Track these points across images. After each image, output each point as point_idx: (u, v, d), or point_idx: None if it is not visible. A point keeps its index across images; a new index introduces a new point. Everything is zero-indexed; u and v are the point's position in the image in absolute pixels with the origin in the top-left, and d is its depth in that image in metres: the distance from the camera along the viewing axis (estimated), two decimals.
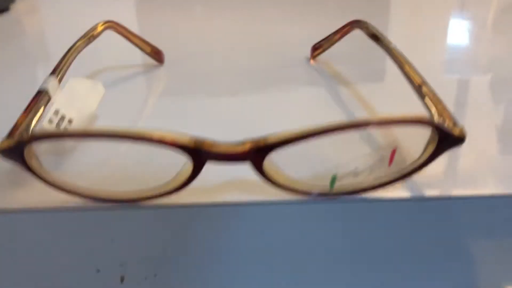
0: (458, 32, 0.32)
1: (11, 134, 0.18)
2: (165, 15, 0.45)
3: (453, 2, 0.45)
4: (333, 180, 0.17)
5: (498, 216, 0.18)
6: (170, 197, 0.18)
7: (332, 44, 0.29)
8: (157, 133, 0.16)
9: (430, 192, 0.18)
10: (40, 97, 0.20)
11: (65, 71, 0.22)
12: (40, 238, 0.18)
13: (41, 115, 0.20)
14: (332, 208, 0.18)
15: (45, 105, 0.20)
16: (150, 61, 0.31)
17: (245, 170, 0.19)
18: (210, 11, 0.46)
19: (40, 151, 0.18)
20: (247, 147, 0.16)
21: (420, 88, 0.20)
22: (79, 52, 0.24)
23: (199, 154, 0.16)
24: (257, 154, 0.16)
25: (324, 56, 0.31)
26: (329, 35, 0.29)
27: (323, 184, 0.17)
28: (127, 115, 0.24)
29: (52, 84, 0.21)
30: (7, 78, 0.29)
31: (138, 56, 0.33)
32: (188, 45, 0.36)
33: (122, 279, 0.19)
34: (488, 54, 0.30)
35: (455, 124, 0.17)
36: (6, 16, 0.45)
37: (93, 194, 0.18)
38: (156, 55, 0.30)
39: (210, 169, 0.18)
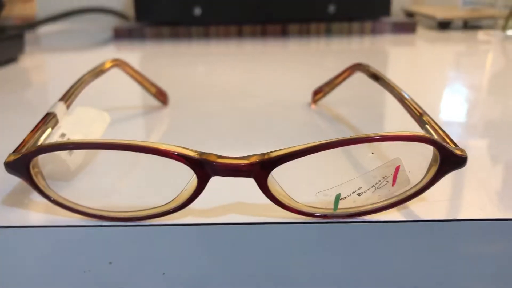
0: (454, 97, 0.33)
1: (17, 149, 0.18)
2: (170, 64, 0.46)
3: (448, 66, 0.47)
4: (337, 199, 0.17)
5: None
6: (173, 216, 0.18)
7: (333, 88, 0.30)
8: (164, 146, 0.16)
9: (434, 216, 0.18)
10: (48, 119, 0.20)
11: (73, 100, 0.23)
12: (37, 256, 0.18)
13: (48, 136, 0.20)
14: (335, 230, 0.18)
15: (53, 127, 0.20)
16: (155, 102, 0.32)
17: (248, 192, 0.19)
18: (214, 62, 0.48)
19: (46, 174, 0.18)
20: (252, 160, 0.16)
21: (421, 117, 0.20)
22: (86, 84, 0.24)
23: (204, 167, 0.16)
24: (261, 168, 0.16)
25: (326, 100, 0.31)
26: (330, 79, 0.30)
27: (327, 206, 0.17)
28: (129, 156, 0.25)
29: (60, 108, 0.21)
30: (7, 126, 0.30)
31: (143, 97, 0.34)
32: (193, 89, 0.37)
33: None
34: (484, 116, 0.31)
35: (456, 145, 0.18)
36: (14, 66, 0.47)
37: (95, 212, 0.18)
38: (161, 96, 0.31)
39: (214, 191, 0.18)
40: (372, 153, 0.17)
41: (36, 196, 0.20)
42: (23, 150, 0.18)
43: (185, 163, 0.16)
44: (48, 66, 0.49)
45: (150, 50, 0.55)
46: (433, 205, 0.18)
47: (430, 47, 0.56)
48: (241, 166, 0.16)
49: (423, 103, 0.22)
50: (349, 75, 0.29)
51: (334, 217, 0.17)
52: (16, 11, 0.66)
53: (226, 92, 0.36)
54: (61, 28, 0.72)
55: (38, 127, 0.20)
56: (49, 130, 0.20)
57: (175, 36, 0.62)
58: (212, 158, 0.16)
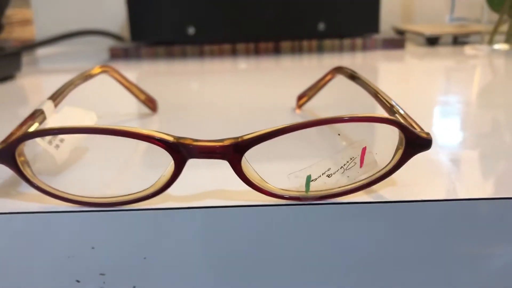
0: (444, 111, 0.34)
1: (4, 141, 0.19)
2: (164, 81, 0.47)
3: (437, 79, 0.48)
4: (308, 181, 0.18)
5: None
6: (153, 201, 0.18)
7: (317, 91, 0.31)
8: (144, 131, 0.17)
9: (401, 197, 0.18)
10: (36, 115, 0.21)
11: (61, 100, 0.24)
12: (19, 243, 0.19)
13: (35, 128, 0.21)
14: (307, 212, 0.18)
15: (40, 123, 0.21)
16: (144, 109, 0.33)
17: (225, 180, 0.20)
18: (207, 77, 0.49)
19: (34, 170, 0.19)
20: (225, 143, 0.17)
21: (392, 108, 0.21)
22: (75, 87, 0.25)
23: (180, 150, 0.17)
24: (235, 150, 0.17)
25: (311, 105, 0.32)
26: (313, 84, 0.31)
27: (299, 189, 0.18)
28: (115, 153, 0.25)
29: (48, 106, 0.22)
30: None
31: (133, 104, 0.35)
32: (183, 100, 0.38)
33: None
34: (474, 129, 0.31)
35: (422, 130, 0.19)
36: (11, 84, 0.48)
37: (77, 198, 0.19)
38: (150, 103, 0.32)
39: (192, 179, 0.19)
40: (339, 134, 0.18)
41: (23, 188, 0.20)
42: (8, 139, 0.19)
43: (163, 147, 0.17)
44: (45, 85, 0.50)
45: (145, 69, 0.56)
46: (401, 188, 0.19)
47: (419, 62, 0.57)
48: (216, 148, 0.17)
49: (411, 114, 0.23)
50: (331, 78, 0.30)
51: (306, 199, 0.18)
52: (15, 34, 0.68)
53: (215, 101, 0.37)
54: (58, 50, 0.74)
55: (25, 122, 0.21)
56: (36, 125, 0.21)
57: (171, 55, 0.63)
58: (188, 142, 0.17)
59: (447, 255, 0.19)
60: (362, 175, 0.18)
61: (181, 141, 0.17)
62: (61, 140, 0.22)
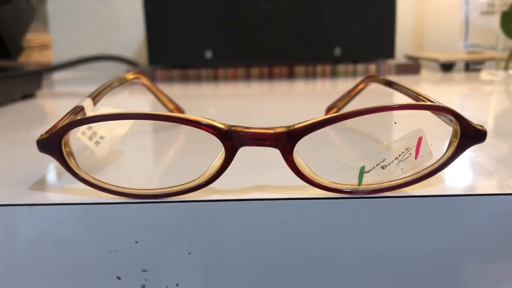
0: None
1: (48, 131, 0.19)
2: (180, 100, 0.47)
3: (454, 104, 0.48)
4: (361, 172, 0.17)
5: None
6: (202, 193, 0.18)
7: (347, 102, 0.31)
8: (195, 117, 0.17)
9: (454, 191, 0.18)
10: (77, 111, 0.21)
11: (99, 99, 0.24)
12: (60, 235, 0.18)
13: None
14: (361, 205, 0.18)
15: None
16: None
17: (273, 176, 0.19)
18: (223, 98, 0.49)
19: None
20: (278, 130, 0.17)
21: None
22: (112, 89, 0.25)
23: (232, 137, 0.17)
24: (287, 138, 0.17)
25: None
26: (343, 94, 0.31)
27: (351, 182, 0.18)
28: (148, 159, 0.25)
29: (88, 103, 0.22)
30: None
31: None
32: (210, 108, 0.37)
33: None
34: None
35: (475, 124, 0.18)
36: (31, 102, 0.48)
37: (122, 190, 0.18)
38: (179, 112, 0.32)
39: (240, 174, 0.18)
40: (395, 122, 0.18)
41: (63, 182, 0.20)
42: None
43: (214, 134, 0.17)
44: (61, 106, 0.51)
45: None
46: (452, 183, 0.19)
47: (435, 87, 0.57)
48: (268, 135, 0.17)
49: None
50: (364, 87, 0.30)
51: (359, 193, 0.18)
52: (33, 58, 0.69)
53: (240, 111, 0.37)
54: (75, 75, 0.75)
55: (67, 116, 0.20)
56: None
57: (185, 78, 0.64)
58: (240, 129, 0.17)
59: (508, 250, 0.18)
60: (417, 167, 0.18)
61: (233, 128, 0.17)
62: (101, 137, 0.22)
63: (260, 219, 0.18)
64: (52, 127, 0.19)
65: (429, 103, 0.17)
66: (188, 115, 0.17)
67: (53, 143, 0.18)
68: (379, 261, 0.18)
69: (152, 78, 0.63)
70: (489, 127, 0.31)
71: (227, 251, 0.18)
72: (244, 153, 0.18)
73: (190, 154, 0.25)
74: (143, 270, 0.18)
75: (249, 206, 0.18)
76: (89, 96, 0.23)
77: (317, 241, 0.18)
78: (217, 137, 0.17)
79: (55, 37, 0.76)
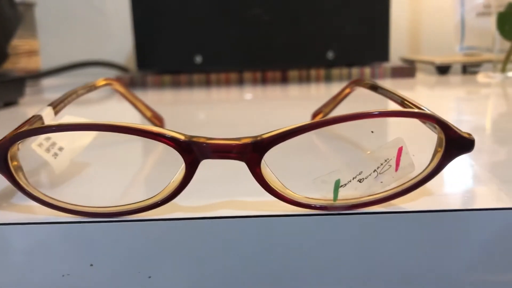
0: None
1: None
2: (171, 108, 0.46)
3: (451, 107, 0.47)
4: (337, 187, 0.16)
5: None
6: (162, 210, 0.16)
7: (333, 107, 0.29)
8: (155, 129, 0.15)
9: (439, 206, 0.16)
10: (34, 121, 0.19)
11: (61, 108, 0.22)
12: (7, 255, 0.16)
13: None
14: (336, 222, 0.16)
15: None
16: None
17: (239, 190, 0.18)
18: (215, 104, 0.47)
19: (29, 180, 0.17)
20: (243, 141, 0.15)
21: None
22: (78, 96, 0.24)
23: (193, 150, 0.15)
24: (254, 150, 0.15)
25: None
26: (329, 100, 0.30)
27: (325, 196, 0.16)
28: (110, 174, 0.23)
29: (47, 112, 0.20)
30: None
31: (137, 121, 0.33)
32: (189, 121, 0.36)
33: None
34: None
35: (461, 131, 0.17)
36: (13, 109, 0.46)
37: (77, 208, 0.16)
38: (157, 120, 0.30)
39: (204, 189, 0.17)
40: (372, 131, 0.16)
41: (16, 199, 0.18)
42: None
43: (173, 147, 0.15)
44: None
45: (151, 98, 0.55)
46: (438, 197, 0.17)
47: (430, 91, 0.56)
48: (232, 146, 0.15)
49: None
50: (349, 92, 0.28)
51: (334, 209, 0.16)
52: (21, 64, 0.67)
53: (224, 122, 0.36)
54: (63, 81, 0.73)
55: (21, 127, 0.19)
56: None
57: (177, 84, 0.62)
58: (202, 140, 0.15)
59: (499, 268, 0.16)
60: (398, 180, 0.16)
61: (194, 139, 0.15)
62: (60, 149, 0.20)
63: (227, 238, 0.16)
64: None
65: (411, 110, 0.15)
66: (143, 126, 0.15)
67: None
68: (358, 280, 0.16)
69: (143, 84, 0.62)
70: (487, 132, 0.29)
71: (190, 274, 0.16)
72: (210, 164, 0.16)
73: (155, 167, 0.23)
74: None
75: (214, 224, 0.16)
76: (50, 104, 0.21)
77: (290, 261, 0.16)
78: (176, 149, 0.15)
79: (43, 43, 0.74)
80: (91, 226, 0.16)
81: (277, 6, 0.61)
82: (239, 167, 0.16)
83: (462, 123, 0.35)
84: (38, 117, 0.20)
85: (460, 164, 0.21)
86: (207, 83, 0.62)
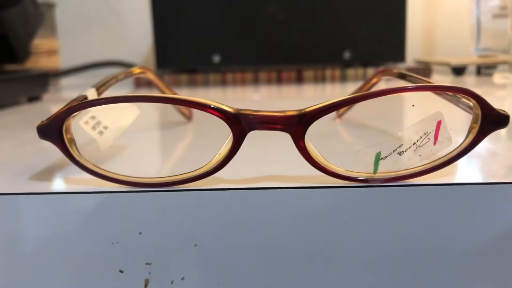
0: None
1: (49, 117, 0.18)
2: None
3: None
4: (377, 159, 0.16)
5: None
6: (209, 181, 0.17)
7: None
8: (203, 100, 0.16)
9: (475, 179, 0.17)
10: (79, 99, 0.20)
11: (104, 90, 0.23)
12: (61, 224, 0.17)
13: (78, 113, 0.20)
14: (376, 195, 0.17)
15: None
16: (178, 117, 0.32)
17: (282, 159, 0.18)
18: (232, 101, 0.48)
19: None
20: (289, 113, 0.16)
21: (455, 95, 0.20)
22: (117, 81, 0.25)
23: (240, 121, 0.16)
24: (298, 122, 0.16)
25: (350, 115, 0.31)
26: (355, 90, 0.30)
27: (366, 169, 0.17)
28: (154, 151, 0.24)
29: (91, 93, 0.21)
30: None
31: (166, 112, 0.34)
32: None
33: (146, 284, 0.18)
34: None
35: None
36: (37, 105, 0.48)
37: (126, 179, 0.17)
38: (185, 110, 0.31)
39: (248, 164, 0.18)
40: (413, 105, 0.17)
41: (66, 173, 0.19)
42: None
43: (221, 118, 0.16)
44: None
45: None
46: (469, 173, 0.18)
47: None
48: (278, 118, 0.16)
49: None
50: (377, 81, 0.29)
51: (374, 181, 0.17)
52: (41, 63, 0.68)
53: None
54: (82, 80, 0.74)
55: (69, 105, 0.20)
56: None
57: (193, 83, 0.63)
58: (249, 112, 0.16)
59: None
60: (436, 154, 0.17)
61: (242, 111, 0.16)
62: (105, 128, 0.21)
63: (270, 209, 0.17)
64: (50, 116, 0.18)
65: (449, 84, 0.16)
66: (196, 98, 0.16)
67: (53, 129, 0.17)
68: (395, 251, 0.17)
69: None
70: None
71: (235, 243, 0.17)
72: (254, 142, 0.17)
73: (198, 147, 0.24)
74: (147, 263, 0.17)
75: (258, 195, 0.17)
76: (93, 86, 0.22)
77: (331, 232, 0.17)
78: (224, 121, 0.16)
79: (63, 43, 0.75)
80: (139, 195, 0.17)
81: (293, 5, 0.62)
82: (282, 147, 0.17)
83: None
84: (84, 97, 0.21)
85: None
86: (223, 83, 0.63)
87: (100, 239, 0.17)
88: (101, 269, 0.17)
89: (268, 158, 0.20)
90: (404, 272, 0.17)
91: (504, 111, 0.17)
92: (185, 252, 0.17)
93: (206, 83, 0.63)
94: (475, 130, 0.17)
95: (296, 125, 0.16)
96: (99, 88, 0.22)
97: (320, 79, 0.63)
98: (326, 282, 0.17)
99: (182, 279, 0.18)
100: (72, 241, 0.17)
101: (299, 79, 0.63)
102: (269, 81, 0.63)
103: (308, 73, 0.63)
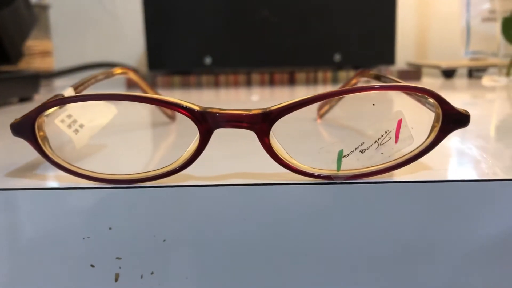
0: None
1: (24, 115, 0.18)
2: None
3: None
4: (340, 157, 0.17)
5: None
6: (177, 178, 0.17)
7: (339, 100, 0.30)
8: (172, 99, 0.16)
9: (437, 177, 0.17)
10: (56, 99, 0.21)
11: (82, 90, 0.23)
12: (32, 220, 0.18)
13: (54, 111, 0.20)
14: (339, 191, 0.17)
15: (60, 107, 0.21)
16: (161, 118, 0.32)
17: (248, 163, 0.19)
18: (225, 102, 0.49)
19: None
20: (254, 112, 0.16)
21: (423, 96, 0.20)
22: (96, 81, 0.25)
23: (207, 119, 0.16)
24: (263, 120, 0.16)
25: (331, 115, 0.32)
26: None
27: (329, 167, 0.17)
28: (127, 150, 0.25)
29: (69, 92, 0.22)
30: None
31: (149, 112, 0.34)
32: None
33: (117, 278, 0.18)
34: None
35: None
36: (28, 105, 0.48)
37: (97, 176, 0.18)
38: (168, 110, 0.31)
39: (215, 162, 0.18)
40: (374, 104, 0.17)
41: (41, 171, 0.20)
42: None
43: (189, 116, 0.16)
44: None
45: None
46: (436, 171, 0.18)
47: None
48: (244, 116, 0.16)
49: None
50: (356, 83, 0.29)
51: (337, 178, 0.17)
52: (35, 64, 0.69)
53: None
54: (75, 82, 0.75)
55: (45, 104, 0.20)
56: (56, 107, 0.20)
57: (186, 85, 0.64)
58: (215, 110, 0.16)
59: (492, 239, 0.17)
60: (397, 152, 0.17)
61: (208, 110, 0.16)
62: (81, 126, 0.21)
63: (236, 205, 0.17)
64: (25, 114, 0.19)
65: (412, 84, 0.16)
66: (164, 97, 0.16)
67: (26, 126, 0.17)
68: (358, 248, 0.17)
69: (153, 85, 0.63)
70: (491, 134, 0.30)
71: (203, 238, 0.18)
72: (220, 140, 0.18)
73: (176, 147, 0.25)
74: (117, 258, 0.18)
75: (224, 191, 0.17)
76: (71, 86, 0.23)
77: (295, 228, 0.17)
78: (191, 119, 0.17)
79: (57, 44, 0.76)
80: (110, 192, 0.17)
81: (285, 8, 0.62)
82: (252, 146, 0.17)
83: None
84: (61, 96, 0.21)
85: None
86: (216, 84, 0.64)
87: (71, 233, 0.18)
88: (73, 263, 0.18)
89: (236, 157, 0.21)
90: (367, 267, 0.18)
91: (465, 110, 0.17)
92: (154, 247, 0.18)
93: (199, 85, 0.64)
94: (436, 129, 0.17)
95: (261, 123, 0.16)
96: (77, 87, 0.23)
97: (312, 81, 0.64)
98: (290, 277, 0.18)
99: (152, 273, 0.18)
100: (43, 236, 0.18)
101: (292, 81, 0.64)
102: (262, 83, 0.64)
103: (300, 75, 0.64)
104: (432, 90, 0.17)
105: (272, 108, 0.16)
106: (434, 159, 0.19)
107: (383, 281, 0.18)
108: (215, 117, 0.16)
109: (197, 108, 0.16)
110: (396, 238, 0.17)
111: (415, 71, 0.63)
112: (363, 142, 0.17)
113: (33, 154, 0.22)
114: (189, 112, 0.16)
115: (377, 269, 0.18)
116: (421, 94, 0.17)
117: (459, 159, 0.21)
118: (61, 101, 0.17)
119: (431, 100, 0.17)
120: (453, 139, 0.23)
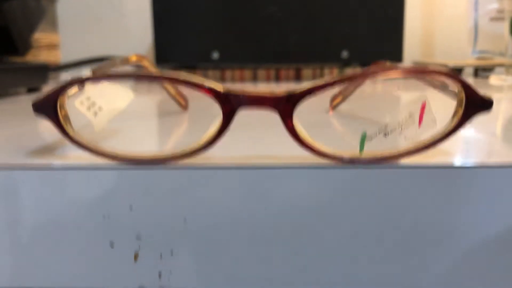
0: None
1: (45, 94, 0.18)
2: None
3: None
4: (363, 139, 0.17)
5: None
6: (199, 159, 0.17)
7: (353, 90, 0.30)
8: (195, 79, 0.16)
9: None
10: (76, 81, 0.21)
11: None
12: (54, 198, 0.18)
13: (73, 94, 0.20)
14: (361, 175, 0.17)
15: (79, 89, 0.21)
16: (173, 107, 0.32)
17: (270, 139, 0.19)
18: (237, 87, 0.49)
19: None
20: (278, 94, 0.16)
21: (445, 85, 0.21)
22: (113, 67, 0.25)
23: (230, 100, 0.16)
24: (287, 101, 0.16)
25: (344, 107, 0.32)
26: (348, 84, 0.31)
27: (352, 150, 0.17)
28: (148, 133, 0.25)
29: (88, 75, 0.22)
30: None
31: (161, 101, 0.34)
32: (210, 106, 0.37)
33: (136, 257, 0.18)
34: None
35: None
36: (36, 95, 0.48)
37: (117, 155, 0.18)
38: (182, 99, 0.31)
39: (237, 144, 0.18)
40: (398, 88, 0.17)
41: (61, 151, 0.20)
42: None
43: (212, 97, 0.16)
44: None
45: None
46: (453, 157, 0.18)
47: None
48: (267, 97, 0.16)
49: None
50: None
51: (360, 162, 0.17)
52: (41, 57, 0.69)
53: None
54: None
55: (65, 84, 0.20)
56: (77, 89, 0.20)
57: None
58: (239, 92, 0.16)
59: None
60: (420, 136, 0.17)
61: (232, 91, 0.16)
62: (100, 108, 0.21)
63: (258, 187, 0.17)
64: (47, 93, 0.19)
65: (437, 68, 0.16)
66: (190, 77, 0.16)
67: (48, 105, 0.17)
68: (379, 232, 0.17)
69: None
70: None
71: (223, 219, 0.18)
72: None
73: (192, 132, 0.25)
74: (137, 237, 0.18)
75: (246, 173, 0.17)
76: (91, 69, 0.23)
77: (317, 211, 0.17)
78: (215, 99, 0.17)
79: (64, 37, 0.76)
80: (131, 171, 0.17)
81: (292, 4, 0.62)
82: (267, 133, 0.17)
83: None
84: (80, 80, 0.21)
85: None
86: (222, 79, 0.64)
87: (91, 212, 0.18)
88: (93, 241, 0.18)
89: (257, 141, 0.21)
90: (387, 251, 0.18)
91: (488, 96, 0.17)
92: (174, 227, 0.18)
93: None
94: (459, 114, 0.17)
95: (285, 104, 0.16)
96: (96, 72, 0.23)
97: (319, 77, 0.64)
98: (310, 259, 0.18)
99: (171, 253, 0.18)
100: (63, 214, 0.18)
101: (298, 78, 0.64)
102: (268, 79, 0.64)
103: (306, 72, 0.64)
104: (456, 75, 0.17)
105: (297, 90, 0.16)
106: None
107: (399, 264, 0.18)
108: (238, 98, 0.16)
109: (221, 89, 0.16)
110: (416, 220, 0.17)
111: None
112: (387, 126, 0.17)
113: (44, 141, 0.22)
114: (213, 92, 0.16)
115: (395, 253, 0.18)
116: (446, 78, 0.17)
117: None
118: (86, 79, 0.17)
119: (454, 85, 0.17)
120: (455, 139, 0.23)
